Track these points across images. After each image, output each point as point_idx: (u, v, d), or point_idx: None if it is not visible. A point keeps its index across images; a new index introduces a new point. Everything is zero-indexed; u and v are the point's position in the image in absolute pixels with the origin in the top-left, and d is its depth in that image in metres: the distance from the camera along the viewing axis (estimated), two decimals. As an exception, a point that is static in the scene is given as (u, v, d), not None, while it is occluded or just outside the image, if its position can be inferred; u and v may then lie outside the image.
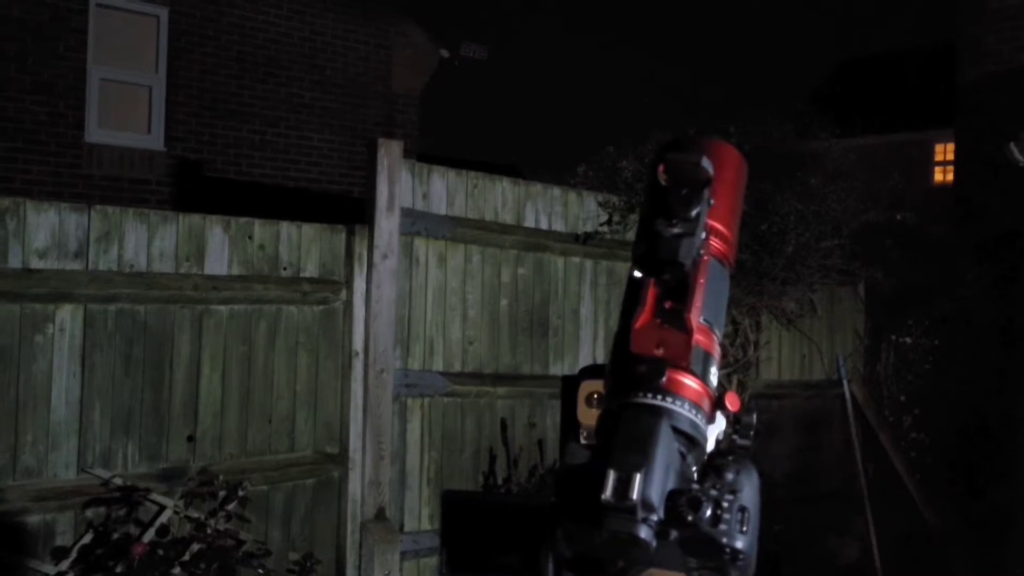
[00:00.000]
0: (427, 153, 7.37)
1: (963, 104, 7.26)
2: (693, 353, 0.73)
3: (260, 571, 3.22)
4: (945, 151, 14.45)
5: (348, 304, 3.79)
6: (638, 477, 0.66)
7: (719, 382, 0.77)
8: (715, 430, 0.76)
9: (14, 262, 3.01)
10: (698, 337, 0.75)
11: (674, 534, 0.66)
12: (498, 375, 4.29)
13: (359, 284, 3.80)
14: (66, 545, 3.05)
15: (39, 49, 6.62)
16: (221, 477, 3.29)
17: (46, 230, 3.08)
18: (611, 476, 0.66)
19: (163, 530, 3.16)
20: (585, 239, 4.59)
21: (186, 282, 3.37)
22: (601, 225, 4.66)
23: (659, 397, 0.72)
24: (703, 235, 0.75)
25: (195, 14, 7.35)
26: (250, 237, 3.56)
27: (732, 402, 0.75)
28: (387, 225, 3.84)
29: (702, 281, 0.75)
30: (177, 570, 3.08)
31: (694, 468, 0.72)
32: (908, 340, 5.90)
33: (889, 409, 5.85)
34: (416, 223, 3.99)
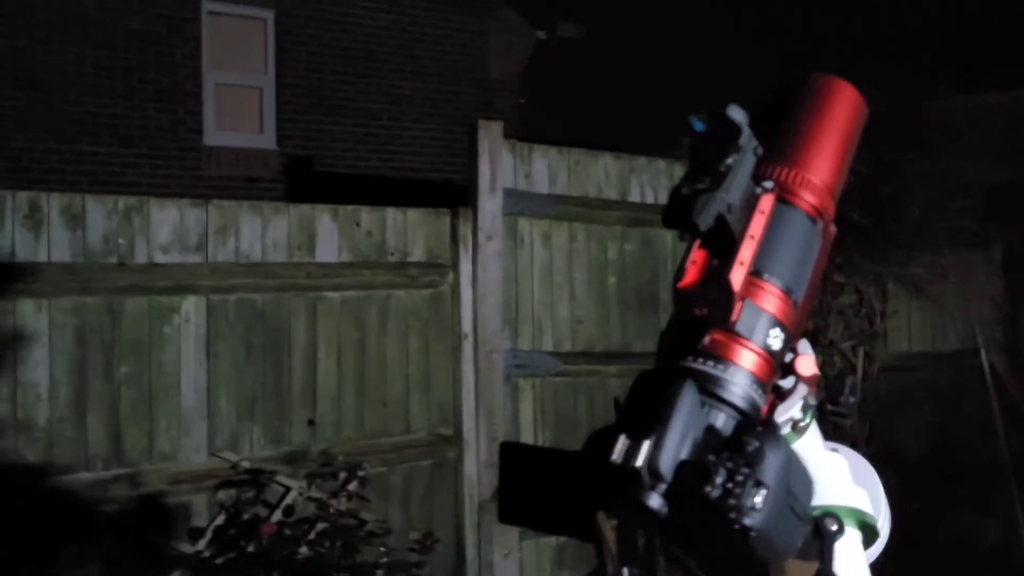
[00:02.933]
0: (528, 137, 7.34)
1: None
2: (743, 314, 0.67)
3: (382, 549, 3.29)
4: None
5: (455, 287, 3.81)
6: (647, 444, 0.63)
7: (795, 347, 0.69)
8: (795, 400, 0.70)
9: (140, 257, 3.18)
10: (756, 296, 0.68)
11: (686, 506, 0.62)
12: (609, 353, 4.23)
13: (465, 266, 3.81)
14: (201, 526, 3.21)
15: (158, 59, 6.98)
16: (341, 459, 3.37)
17: (168, 226, 3.23)
18: (620, 441, 0.64)
19: (289, 510, 3.27)
20: (693, 211, 4.45)
21: (299, 270, 3.47)
22: (709, 196, 4.50)
23: (700, 361, 0.68)
24: (759, 189, 0.69)
25: (299, 14, 7.56)
26: (357, 224, 3.63)
27: (806, 366, 0.68)
28: (490, 206, 3.83)
29: (754, 236, 0.68)
30: (304, 548, 3.18)
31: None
32: (1053, 304, 5.45)
33: (1034, 379, 5.44)
34: (519, 203, 3.96)
